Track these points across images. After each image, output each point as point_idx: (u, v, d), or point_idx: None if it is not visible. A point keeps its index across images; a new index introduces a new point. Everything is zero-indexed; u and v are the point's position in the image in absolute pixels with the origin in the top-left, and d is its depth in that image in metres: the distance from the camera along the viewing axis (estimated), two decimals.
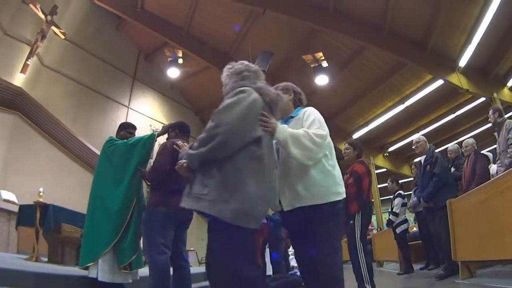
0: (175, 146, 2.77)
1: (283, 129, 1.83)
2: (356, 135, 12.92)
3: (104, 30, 11.43)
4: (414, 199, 5.42)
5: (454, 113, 11.69)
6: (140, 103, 12.41)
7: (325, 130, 1.93)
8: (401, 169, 14.55)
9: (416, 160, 5.06)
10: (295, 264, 11.32)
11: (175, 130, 3.17)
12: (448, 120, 12.09)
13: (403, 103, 11.36)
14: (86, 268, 2.79)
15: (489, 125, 4.90)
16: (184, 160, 1.73)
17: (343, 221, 2.06)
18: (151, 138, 3.11)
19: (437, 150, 4.67)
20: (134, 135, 3.34)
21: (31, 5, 8.20)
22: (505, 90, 9.86)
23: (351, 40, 9.57)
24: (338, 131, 12.77)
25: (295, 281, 4.91)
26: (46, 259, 4.73)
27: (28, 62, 8.32)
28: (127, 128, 3.38)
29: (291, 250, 11.64)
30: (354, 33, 9.21)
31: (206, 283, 4.43)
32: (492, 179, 3.77)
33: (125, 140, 3.17)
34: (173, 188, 2.61)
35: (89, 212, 2.97)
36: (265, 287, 1.79)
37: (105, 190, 2.97)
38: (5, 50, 8.10)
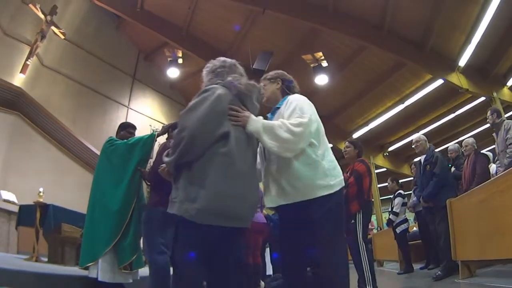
0: None
1: (255, 121, 1.72)
2: (356, 135, 12.92)
3: (104, 30, 11.43)
4: (414, 198, 5.42)
5: (454, 112, 11.69)
6: (140, 103, 12.41)
7: (306, 117, 1.76)
8: (401, 169, 14.55)
9: (416, 159, 5.03)
10: None
11: (175, 130, 3.17)
12: (448, 120, 12.09)
13: (403, 103, 11.36)
14: (86, 268, 2.79)
15: (489, 125, 4.90)
16: (164, 165, 1.77)
17: (344, 217, 1.92)
18: (151, 138, 3.10)
19: (437, 150, 4.66)
20: (134, 135, 3.34)
21: (30, 5, 8.20)
22: (505, 90, 9.87)
23: (351, 40, 9.57)
24: (338, 131, 12.78)
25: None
26: (46, 259, 4.73)
27: (28, 62, 8.32)
28: (127, 128, 3.38)
29: None
30: (353, 32, 9.21)
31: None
32: (492, 178, 3.77)
33: (125, 140, 3.17)
34: None
35: (89, 212, 2.97)
36: None
37: (105, 190, 2.97)
38: (4, 50, 8.10)
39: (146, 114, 12.46)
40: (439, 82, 9.84)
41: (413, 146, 4.73)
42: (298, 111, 1.79)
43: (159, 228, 2.71)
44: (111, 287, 2.78)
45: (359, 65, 10.57)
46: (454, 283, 3.50)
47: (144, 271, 2.89)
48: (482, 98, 9.98)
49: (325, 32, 9.60)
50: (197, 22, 10.68)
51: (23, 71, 8.29)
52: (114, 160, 3.06)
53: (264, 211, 4.39)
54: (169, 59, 10.39)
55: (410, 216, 6.82)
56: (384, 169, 14.22)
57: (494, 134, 4.79)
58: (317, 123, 1.85)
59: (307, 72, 9.97)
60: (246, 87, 1.79)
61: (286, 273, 1.98)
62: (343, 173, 3.52)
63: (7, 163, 7.58)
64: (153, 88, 12.89)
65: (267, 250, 5.33)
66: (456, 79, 9.32)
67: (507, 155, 4.24)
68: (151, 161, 3.10)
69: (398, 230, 5.66)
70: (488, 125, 4.94)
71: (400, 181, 6.39)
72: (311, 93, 11.83)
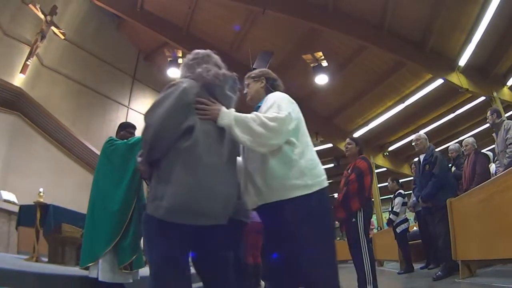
0: None
1: (227, 114, 1.63)
2: (356, 135, 12.90)
3: (104, 30, 11.44)
4: (414, 198, 5.42)
5: (454, 112, 11.70)
6: (140, 103, 12.40)
7: (283, 113, 1.67)
8: (401, 169, 14.54)
9: (416, 159, 5.01)
10: None
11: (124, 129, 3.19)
12: (448, 120, 12.09)
13: (403, 103, 11.36)
14: (87, 268, 2.79)
15: (489, 125, 4.89)
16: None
17: (330, 217, 1.82)
18: None
19: (437, 150, 4.64)
20: (134, 135, 3.33)
21: (30, 6, 8.20)
22: (505, 89, 9.87)
23: (351, 40, 9.57)
24: (338, 131, 12.78)
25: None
26: (46, 259, 4.73)
27: (28, 63, 8.33)
28: (127, 128, 3.37)
29: None
30: (353, 32, 9.21)
31: None
32: (492, 178, 3.76)
33: (125, 140, 3.16)
34: None
35: (89, 212, 2.97)
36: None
37: (105, 190, 2.97)
38: (4, 50, 8.10)
39: None
40: (439, 82, 9.84)
41: (413, 144, 4.69)
42: (275, 107, 1.72)
43: None
44: (111, 287, 2.78)
45: (359, 65, 10.56)
46: (454, 283, 3.50)
47: (145, 271, 2.88)
48: (482, 98, 9.98)
49: (325, 32, 9.60)
50: (197, 22, 10.68)
51: (23, 71, 8.29)
52: (114, 160, 3.06)
53: None
54: (169, 59, 10.37)
55: (410, 216, 6.82)
56: (384, 169, 14.22)
57: (494, 134, 4.78)
58: (297, 121, 1.76)
59: (307, 72, 9.98)
60: (215, 77, 1.69)
61: (269, 276, 1.89)
62: (344, 171, 3.49)
63: (7, 163, 7.59)
64: (153, 88, 12.88)
65: None
66: (456, 78, 9.32)
67: (507, 155, 4.24)
68: None
69: (398, 230, 5.66)
70: (488, 125, 4.93)
71: (400, 180, 6.39)
72: (311, 93, 11.86)
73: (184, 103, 1.58)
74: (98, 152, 3.67)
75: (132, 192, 2.96)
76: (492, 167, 5.01)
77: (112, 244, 2.79)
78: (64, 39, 9.39)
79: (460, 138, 9.55)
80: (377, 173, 13.16)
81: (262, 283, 4.18)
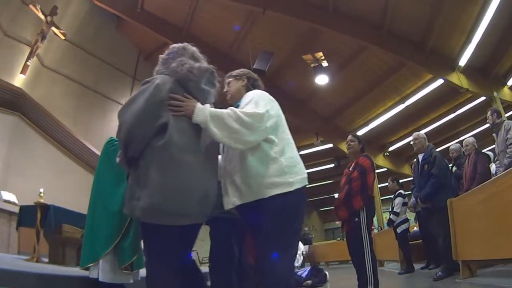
0: None
1: (202, 110, 1.58)
2: None
3: (104, 31, 11.45)
4: (413, 198, 5.41)
5: (454, 112, 11.71)
6: None
7: (261, 109, 1.62)
8: (402, 169, 14.55)
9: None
10: (296, 264, 11.34)
11: None
12: (448, 120, 12.11)
13: (403, 103, 11.38)
14: (87, 269, 2.79)
15: (489, 125, 4.88)
16: None
17: (300, 219, 1.77)
18: None
19: (437, 150, 4.61)
20: None
21: (31, 6, 8.20)
22: (505, 89, 9.88)
23: (351, 40, 9.57)
24: (338, 131, 12.78)
25: (296, 281, 4.89)
26: (47, 260, 4.73)
27: (28, 63, 8.33)
28: None
29: None
30: (353, 32, 9.22)
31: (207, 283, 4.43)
32: (492, 178, 3.76)
33: None
34: None
35: (90, 213, 2.96)
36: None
37: (106, 190, 2.97)
38: (5, 51, 8.11)
39: None
40: (440, 82, 9.85)
41: (411, 143, 4.64)
42: (252, 103, 1.67)
43: None
44: (111, 287, 2.78)
45: (359, 65, 10.57)
46: (455, 283, 3.50)
47: (145, 271, 2.89)
48: (483, 98, 9.99)
49: (325, 32, 9.60)
50: (197, 22, 10.69)
51: (23, 71, 8.30)
52: (115, 160, 3.05)
53: None
54: None
55: (411, 216, 6.81)
56: (385, 169, 14.23)
57: (494, 135, 4.78)
58: (276, 119, 1.71)
59: (307, 72, 9.98)
60: (189, 71, 1.63)
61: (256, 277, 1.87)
62: (345, 169, 3.40)
63: (8, 163, 7.59)
64: None
65: None
66: (457, 78, 9.32)
67: (507, 155, 4.23)
68: None
69: (398, 230, 5.66)
70: (488, 125, 4.92)
71: (401, 181, 6.39)
72: (312, 93, 11.87)
73: (157, 100, 1.54)
74: (99, 153, 3.68)
75: None
76: (493, 167, 5.01)
77: (113, 244, 2.79)
78: (64, 39, 9.39)
79: (461, 138, 9.55)
80: (377, 173, 13.15)
81: None
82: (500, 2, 7.41)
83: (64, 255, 4.71)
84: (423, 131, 11.89)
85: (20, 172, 7.63)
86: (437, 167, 4.15)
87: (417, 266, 5.51)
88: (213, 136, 1.59)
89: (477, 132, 11.43)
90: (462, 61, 9.18)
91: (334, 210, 3.21)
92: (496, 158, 4.92)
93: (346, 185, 3.11)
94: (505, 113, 9.03)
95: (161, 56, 1.79)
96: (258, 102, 1.68)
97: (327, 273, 5.40)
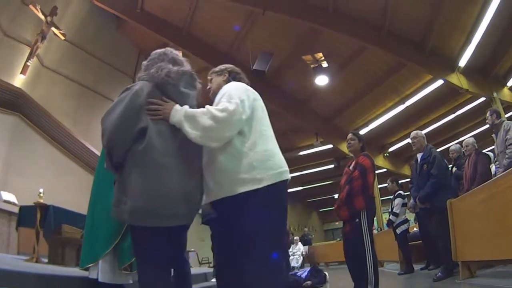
0: None
1: (178, 111, 1.58)
2: None
3: (104, 31, 11.45)
4: (412, 199, 5.41)
5: (454, 113, 11.72)
6: None
7: (234, 101, 1.57)
8: (401, 170, 14.55)
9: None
10: (296, 264, 11.34)
11: None
12: (448, 120, 12.11)
13: (403, 103, 11.37)
14: (87, 269, 2.79)
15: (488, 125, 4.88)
16: None
17: (282, 216, 1.67)
18: None
19: (438, 150, 4.60)
20: None
21: (31, 6, 8.21)
22: (505, 90, 9.89)
23: (351, 40, 9.58)
24: (338, 131, 12.77)
25: (295, 281, 4.91)
26: (46, 260, 4.72)
27: (28, 63, 8.34)
28: None
29: (291, 251, 11.67)
30: (353, 33, 9.22)
31: (207, 283, 4.44)
32: (492, 178, 3.75)
33: None
34: None
35: (90, 213, 2.96)
36: None
37: (106, 191, 2.95)
38: (5, 51, 8.11)
39: None
40: (439, 82, 9.85)
41: (410, 142, 4.61)
42: (226, 96, 1.62)
43: None
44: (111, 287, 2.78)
45: (359, 66, 10.58)
46: (454, 284, 3.50)
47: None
48: (482, 99, 9.99)
49: (325, 32, 9.61)
50: (197, 22, 10.69)
51: (23, 72, 8.30)
52: None
53: None
54: None
55: (410, 216, 6.81)
56: (384, 170, 14.22)
57: (493, 135, 4.77)
58: (251, 110, 1.64)
59: (307, 73, 9.99)
60: (166, 76, 1.65)
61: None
62: (345, 168, 3.36)
63: (7, 164, 7.59)
64: None
65: None
66: (456, 79, 9.32)
67: (507, 156, 4.22)
68: None
69: (398, 230, 5.66)
70: (488, 125, 4.92)
71: (400, 181, 6.38)
72: (312, 94, 11.87)
73: (136, 106, 1.58)
74: (98, 153, 3.67)
75: None
76: (493, 168, 5.01)
77: (113, 245, 2.79)
78: (64, 39, 9.40)
79: (461, 139, 9.55)
80: (377, 174, 13.13)
81: None
82: (500, 2, 7.41)
83: (63, 256, 4.71)
84: (423, 132, 11.95)
85: (20, 172, 7.63)
86: (437, 167, 4.12)
87: (416, 267, 5.51)
88: (187, 136, 1.56)
89: (477, 133, 11.42)
90: (462, 62, 9.18)
91: (335, 210, 3.19)
92: (495, 159, 4.91)
93: (346, 184, 3.08)
94: (505, 114, 9.05)
95: (144, 63, 1.84)
96: (231, 94, 1.62)
97: (326, 273, 5.40)
